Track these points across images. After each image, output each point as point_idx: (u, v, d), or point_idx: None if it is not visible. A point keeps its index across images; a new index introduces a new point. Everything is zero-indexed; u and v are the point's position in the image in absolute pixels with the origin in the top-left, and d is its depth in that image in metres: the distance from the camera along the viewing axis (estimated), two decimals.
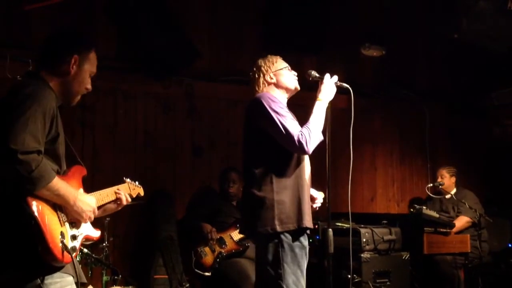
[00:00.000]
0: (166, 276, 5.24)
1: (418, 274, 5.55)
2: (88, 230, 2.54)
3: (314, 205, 3.43)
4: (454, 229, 5.68)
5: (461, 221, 5.95)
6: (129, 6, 5.64)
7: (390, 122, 7.67)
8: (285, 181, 3.16)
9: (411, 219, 5.51)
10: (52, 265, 2.22)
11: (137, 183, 3.18)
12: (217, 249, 5.08)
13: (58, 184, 2.25)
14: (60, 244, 2.21)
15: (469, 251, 5.66)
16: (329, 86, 3.34)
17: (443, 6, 6.55)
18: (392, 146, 7.70)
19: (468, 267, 5.76)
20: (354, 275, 4.84)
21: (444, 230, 5.54)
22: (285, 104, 3.35)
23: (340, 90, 3.40)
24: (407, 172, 7.78)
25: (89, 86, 2.58)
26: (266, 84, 3.37)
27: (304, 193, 3.21)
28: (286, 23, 6.53)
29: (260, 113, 3.17)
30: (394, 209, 7.56)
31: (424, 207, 5.65)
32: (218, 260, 5.03)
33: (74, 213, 2.37)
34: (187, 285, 5.20)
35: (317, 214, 3.36)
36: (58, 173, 2.36)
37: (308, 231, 3.25)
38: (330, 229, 3.41)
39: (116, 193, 2.81)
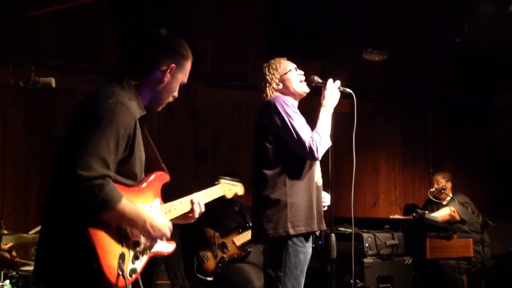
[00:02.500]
0: (168, 281, 5.23)
1: (421, 278, 5.54)
2: (158, 246, 2.36)
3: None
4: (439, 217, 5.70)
5: (442, 211, 5.95)
6: (132, 11, 5.66)
7: (392, 126, 7.67)
8: (298, 184, 3.16)
9: (414, 224, 5.50)
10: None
11: (237, 180, 2.96)
12: (219, 254, 5.08)
13: (125, 208, 2.12)
14: (116, 268, 2.10)
15: (471, 255, 5.65)
16: (332, 92, 3.34)
17: (446, 10, 6.56)
18: (394, 151, 7.70)
19: (471, 272, 5.75)
20: (357, 280, 4.83)
21: (447, 235, 5.52)
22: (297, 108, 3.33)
23: (343, 95, 3.40)
24: (409, 176, 7.77)
25: (176, 94, 2.44)
26: (274, 91, 3.35)
27: (315, 196, 3.22)
28: (289, 28, 6.55)
29: (273, 116, 3.16)
30: (396, 213, 7.54)
31: (426, 212, 5.65)
32: (220, 265, 5.03)
33: (143, 234, 2.25)
34: None
35: None
36: (132, 187, 2.26)
37: (317, 233, 3.26)
38: (333, 234, 3.41)
39: (191, 202, 2.55)
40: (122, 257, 2.14)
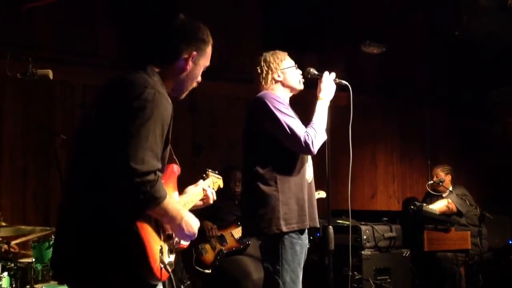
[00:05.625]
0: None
1: (419, 271, 5.55)
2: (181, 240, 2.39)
3: None
4: (436, 209, 5.71)
5: (439, 203, 5.97)
6: (128, 4, 5.65)
7: (390, 119, 7.68)
8: (289, 181, 3.14)
9: (412, 216, 5.51)
10: (149, 283, 2.10)
11: (217, 172, 2.99)
12: (218, 246, 5.09)
13: (168, 204, 2.09)
14: (159, 261, 2.07)
15: (469, 248, 5.66)
16: (328, 84, 3.33)
17: (444, 3, 6.55)
18: (392, 144, 7.71)
19: (469, 264, 5.77)
20: (355, 272, 4.84)
21: (445, 227, 5.53)
22: (288, 103, 3.32)
23: (340, 88, 3.40)
24: (407, 169, 7.79)
25: (199, 79, 2.40)
26: (274, 82, 3.33)
27: (306, 193, 3.21)
28: (286, 20, 6.53)
29: (264, 114, 3.14)
30: (394, 206, 7.56)
31: (424, 204, 5.66)
32: (218, 257, 5.04)
33: (176, 230, 2.21)
34: (188, 282, 5.21)
35: (318, 211, 3.35)
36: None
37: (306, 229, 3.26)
38: (331, 227, 3.42)
39: (204, 190, 2.64)
40: (161, 250, 2.11)
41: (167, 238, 2.21)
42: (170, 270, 2.14)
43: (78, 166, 2.14)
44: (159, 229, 2.15)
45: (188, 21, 2.35)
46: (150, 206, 2.02)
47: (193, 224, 2.25)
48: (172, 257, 2.24)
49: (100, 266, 2.02)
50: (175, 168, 2.44)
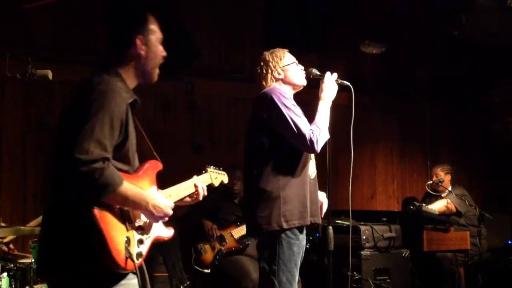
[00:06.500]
0: (166, 274, 5.24)
1: (418, 271, 5.56)
2: (159, 231, 2.39)
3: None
4: (435, 209, 5.71)
5: (438, 203, 5.97)
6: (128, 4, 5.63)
7: (390, 119, 7.68)
8: (291, 178, 3.13)
9: (411, 217, 5.51)
10: (116, 272, 2.15)
11: (221, 169, 3.01)
12: (217, 246, 5.09)
13: (127, 190, 2.14)
14: (125, 251, 2.13)
15: (468, 248, 5.66)
16: (330, 85, 3.33)
17: (444, 2, 6.55)
18: (392, 143, 7.71)
19: (468, 264, 5.77)
20: (354, 272, 4.85)
21: (444, 227, 5.53)
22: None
23: (340, 88, 3.40)
24: (407, 169, 7.79)
25: (163, 53, 2.42)
26: (274, 80, 3.32)
27: (308, 190, 3.20)
28: (286, 21, 6.53)
29: (270, 109, 3.12)
30: (394, 206, 7.56)
31: (423, 204, 5.66)
32: (217, 257, 5.04)
33: (146, 215, 2.27)
34: (187, 282, 5.21)
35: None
36: (128, 173, 2.25)
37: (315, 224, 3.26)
38: (330, 227, 3.41)
39: (195, 186, 2.67)
40: (128, 241, 2.16)
41: (137, 229, 2.24)
42: (136, 260, 2.18)
43: (51, 166, 2.26)
44: (124, 220, 2.19)
45: (121, 8, 2.39)
46: (103, 193, 2.07)
47: (162, 205, 2.29)
48: (143, 248, 2.26)
49: (66, 259, 2.11)
50: (155, 164, 2.45)
